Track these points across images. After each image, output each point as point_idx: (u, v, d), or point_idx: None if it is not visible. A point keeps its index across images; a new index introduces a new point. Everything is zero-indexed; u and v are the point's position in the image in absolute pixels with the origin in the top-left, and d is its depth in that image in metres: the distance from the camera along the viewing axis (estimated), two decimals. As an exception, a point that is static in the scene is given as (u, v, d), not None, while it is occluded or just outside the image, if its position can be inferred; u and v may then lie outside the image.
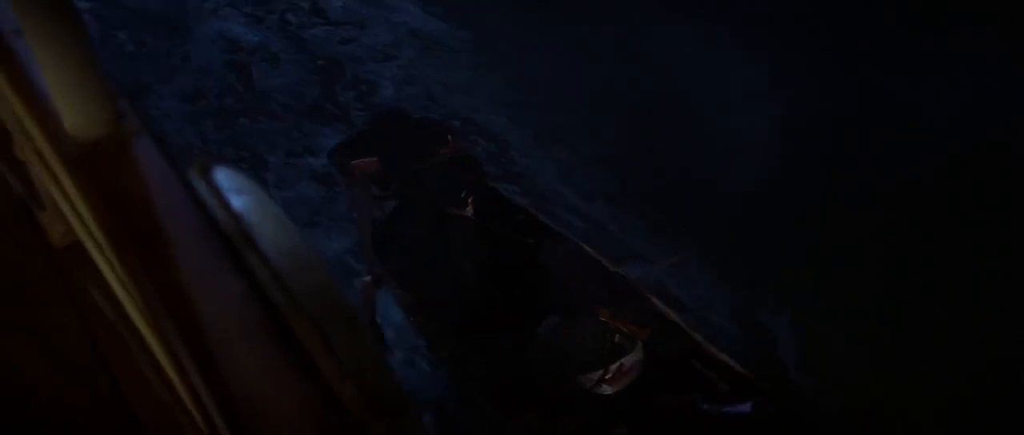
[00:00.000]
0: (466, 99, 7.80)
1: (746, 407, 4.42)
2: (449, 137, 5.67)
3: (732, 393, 4.54)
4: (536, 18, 8.01)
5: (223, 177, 1.35)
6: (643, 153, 7.17)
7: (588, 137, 7.33)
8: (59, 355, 1.91)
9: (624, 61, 7.66)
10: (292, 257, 1.49)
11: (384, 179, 5.41)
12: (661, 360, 4.65)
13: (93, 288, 1.81)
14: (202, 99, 7.48)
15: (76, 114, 1.34)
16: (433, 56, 8.25)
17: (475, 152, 6.34)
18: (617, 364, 4.45)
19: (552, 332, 4.64)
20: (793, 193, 7.08)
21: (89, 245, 1.68)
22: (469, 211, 5.21)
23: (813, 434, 4.70)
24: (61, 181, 1.59)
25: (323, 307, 1.48)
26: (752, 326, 6.23)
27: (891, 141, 7.33)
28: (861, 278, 6.51)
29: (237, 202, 1.33)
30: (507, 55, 7.97)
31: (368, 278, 5.24)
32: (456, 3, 8.45)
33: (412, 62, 8.14)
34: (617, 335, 4.48)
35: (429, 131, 5.79)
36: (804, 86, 7.57)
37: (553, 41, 7.79)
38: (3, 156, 1.88)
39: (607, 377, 4.46)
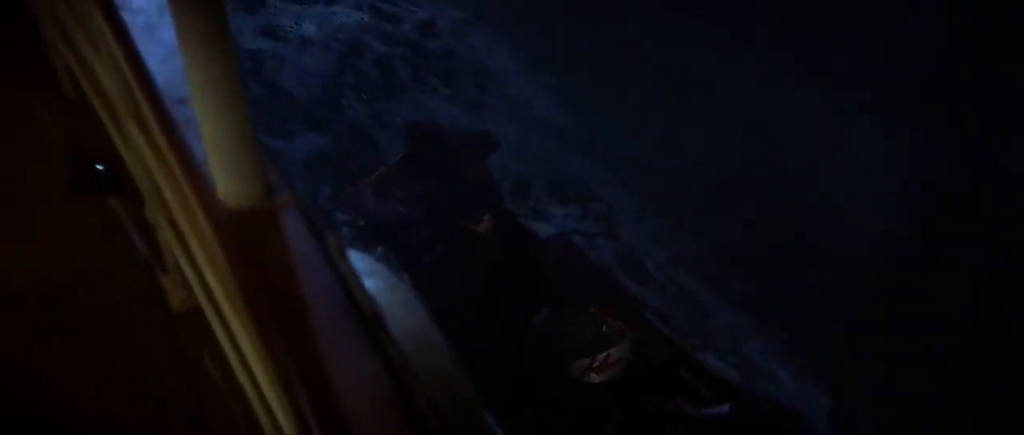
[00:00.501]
0: (576, 161, 7.85)
1: (725, 408, 4.63)
2: (476, 162, 5.96)
3: (716, 399, 4.74)
4: (647, 86, 8.01)
5: (357, 259, 1.38)
6: (742, 224, 7.05)
7: (690, 205, 7.25)
8: (162, 413, 1.93)
9: (732, 130, 7.58)
10: (418, 341, 1.51)
11: (409, 197, 5.74)
12: (650, 367, 4.86)
13: (206, 353, 1.83)
14: (325, 163, 7.65)
15: (231, 182, 1.38)
16: (547, 124, 8.33)
17: (496, 177, 6.44)
18: (604, 354, 4.64)
19: (544, 322, 4.89)
20: (895, 273, 6.80)
21: (209, 312, 1.70)
22: (483, 227, 5.51)
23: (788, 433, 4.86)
24: (191, 248, 1.62)
25: (443, 390, 1.48)
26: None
27: (1009, 218, 7.01)
28: (971, 376, 6.16)
29: (369, 284, 1.37)
30: (619, 123, 7.98)
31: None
32: (568, 80, 8.52)
33: (526, 129, 8.23)
34: (604, 326, 4.70)
35: (462, 151, 6.10)
36: (916, 159, 7.34)
37: (663, 110, 7.77)
38: (134, 219, 1.93)
39: (594, 366, 4.64)
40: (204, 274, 1.61)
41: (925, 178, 7.13)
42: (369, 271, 1.41)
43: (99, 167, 1.93)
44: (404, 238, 5.69)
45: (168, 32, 1.44)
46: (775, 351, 6.42)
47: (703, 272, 7.01)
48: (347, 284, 1.31)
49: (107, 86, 1.82)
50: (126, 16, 1.54)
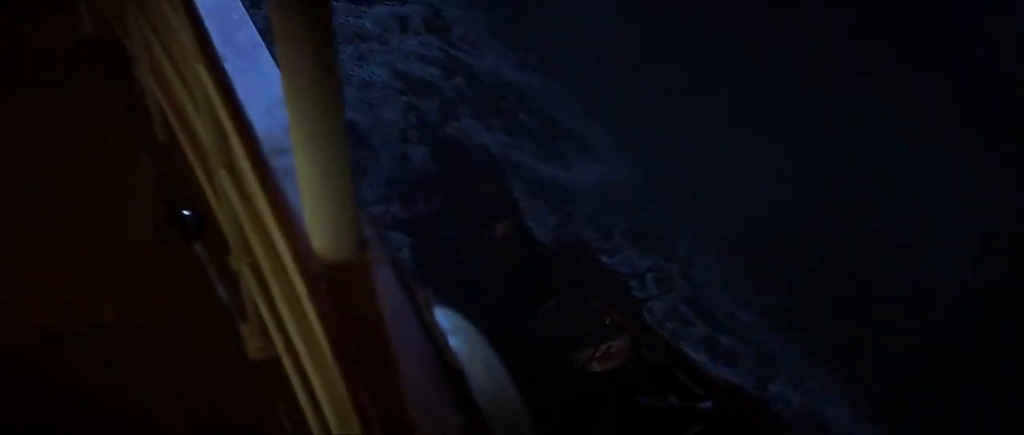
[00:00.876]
0: (650, 208, 7.92)
1: (708, 404, 4.97)
2: (494, 174, 6.62)
3: (706, 396, 5.10)
4: (716, 124, 8.02)
5: (441, 316, 1.43)
6: (815, 272, 7.00)
7: (764, 249, 7.22)
8: None
9: (800, 167, 7.56)
10: (495, 400, 1.55)
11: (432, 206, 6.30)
12: (647, 366, 5.17)
13: (280, 403, 1.89)
14: (390, 202, 7.86)
15: (326, 235, 1.42)
16: (621, 172, 8.42)
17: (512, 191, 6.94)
18: (606, 345, 4.97)
19: (551, 312, 5.26)
20: (973, 317, 6.67)
21: (286, 362, 1.76)
22: (500, 234, 6.01)
23: (769, 429, 5.29)
24: (274, 297, 1.69)
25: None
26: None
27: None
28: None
29: (453, 342, 1.42)
30: (691, 169, 8.01)
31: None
32: (639, 130, 8.60)
33: (600, 176, 8.33)
34: (608, 319, 5.05)
35: (481, 165, 6.74)
36: (996, 196, 7.18)
37: (734, 150, 7.77)
38: (217, 266, 2.01)
39: (597, 355, 4.97)
40: (286, 324, 1.67)
41: (1006, 217, 7.01)
42: (452, 328, 1.46)
43: (186, 212, 2.03)
44: (427, 243, 6.06)
45: (272, 88, 1.53)
46: (841, 394, 6.41)
47: (770, 314, 7.04)
48: (435, 341, 1.36)
49: (200, 133, 1.92)
50: (228, 66, 1.62)
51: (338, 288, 1.39)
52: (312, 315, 1.43)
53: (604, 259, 6.98)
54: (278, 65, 1.31)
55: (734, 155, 7.58)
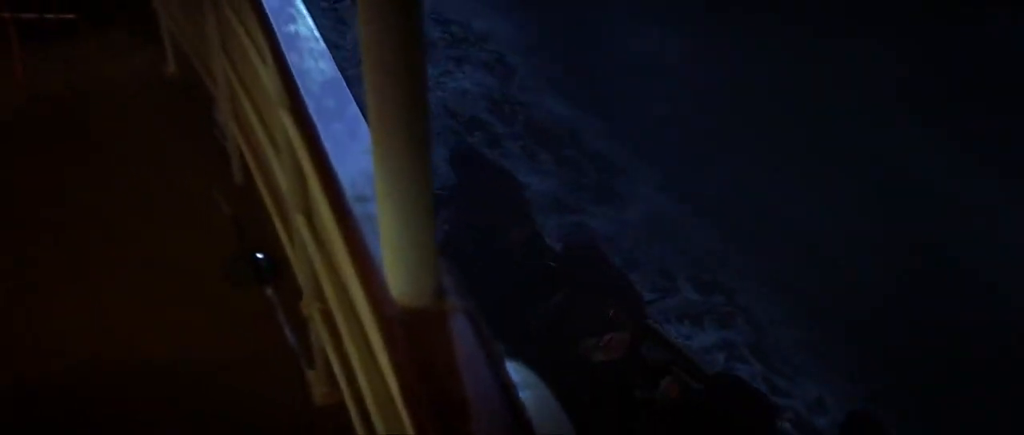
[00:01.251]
0: (708, 243, 7.99)
1: (700, 386, 5.29)
2: (510, 183, 6.93)
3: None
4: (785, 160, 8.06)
5: (513, 370, 1.48)
6: (876, 311, 6.97)
7: (823, 289, 7.20)
8: None
9: (866, 199, 7.56)
10: (563, 455, 1.60)
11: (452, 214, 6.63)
12: (647, 366, 5.49)
13: None
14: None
15: (405, 282, 1.45)
16: (676, 211, 8.49)
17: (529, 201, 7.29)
18: (609, 336, 5.29)
19: (555, 308, 5.61)
20: None
21: (352, 409, 1.82)
22: (516, 238, 6.37)
23: (756, 414, 5.39)
24: (345, 344, 1.76)
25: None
26: None
27: None
28: None
29: (522, 395, 1.47)
30: (752, 205, 8.05)
31: None
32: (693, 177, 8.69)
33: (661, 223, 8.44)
34: (611, 311, 5.35)
35: (498, 175, 7.05)
36: None
37: (803, 192, 7.78)
38: (287, 310, 2.09)
39: (600, 344, 5.29)
40: (355, 371, 1.73)
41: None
42: (522, 382, 1.50)
43: (259, 255, 2.11)
44: (448, 250, 6.38)
45: (357, 139, 1.62)
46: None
47: (826, 357, 7.06)
48: (507, 392, 1.40)
49: (278, 178, 2.01)
50: (315, 117, 1.70)
51: (414, 334, 1.43)
52: (384, 361, 1.46)
53: (666, 300, 7.32)
54: (366, 116, 1.38)
55: (795, 193, 7.65)
